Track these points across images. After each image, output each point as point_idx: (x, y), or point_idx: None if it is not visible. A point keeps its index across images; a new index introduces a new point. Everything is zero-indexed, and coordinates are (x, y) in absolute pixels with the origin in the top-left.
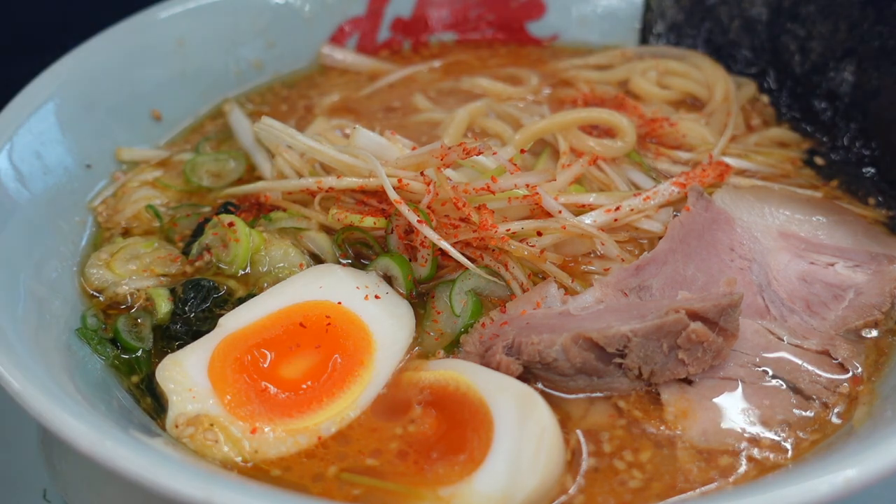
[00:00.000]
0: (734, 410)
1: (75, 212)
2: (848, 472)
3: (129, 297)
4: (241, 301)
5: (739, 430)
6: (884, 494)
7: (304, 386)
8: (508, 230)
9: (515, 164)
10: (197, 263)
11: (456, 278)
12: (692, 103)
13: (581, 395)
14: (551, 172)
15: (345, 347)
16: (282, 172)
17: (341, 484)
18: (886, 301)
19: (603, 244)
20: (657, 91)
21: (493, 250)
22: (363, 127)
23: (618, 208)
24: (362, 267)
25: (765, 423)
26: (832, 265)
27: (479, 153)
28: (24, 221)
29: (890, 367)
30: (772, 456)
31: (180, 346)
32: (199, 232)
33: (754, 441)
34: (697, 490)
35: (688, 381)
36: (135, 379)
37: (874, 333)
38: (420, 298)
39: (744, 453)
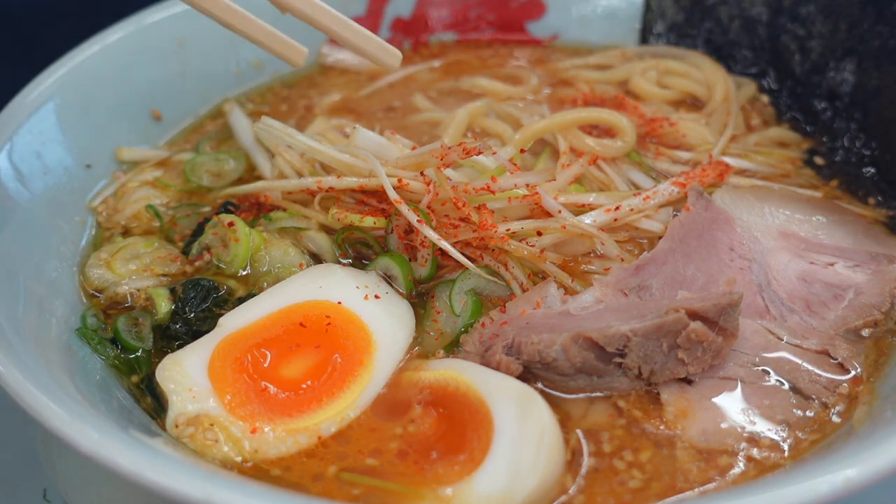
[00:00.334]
0: (734, 410)
1: (75, 212)
2: (848, 472)
3: (129, 297)
4: (241, 301)
5: (739, 430)
6: (884, 494)
7: (304, 386)
8: (508, 230)
9: (515, 164)
10: (197, 263)
11: (456, 278)
12: (692, 103)
13: (581, 395)
14: (551, 172)
15: (345, 347)
16: (282, 172)
17: (341, 484)
18: (886, 301)
19: (603, 244)
20: (657, 91)
21: (493, 250)
22: (363, 127)
23: (617, 208)
24: (362, 267)
25: (764, 423)
26: (832, 265)
27: (479, 153)
28: (24, 221)
29: (890, 366)
30: (772, 456)
31: (180, 346)
32: (199, 232)
33: (754, 441)
34: (697, 490)
35: (687, 381)
36: (135, 379)
37: (874, 333)
38: (420, 298)
39: (743, 453)
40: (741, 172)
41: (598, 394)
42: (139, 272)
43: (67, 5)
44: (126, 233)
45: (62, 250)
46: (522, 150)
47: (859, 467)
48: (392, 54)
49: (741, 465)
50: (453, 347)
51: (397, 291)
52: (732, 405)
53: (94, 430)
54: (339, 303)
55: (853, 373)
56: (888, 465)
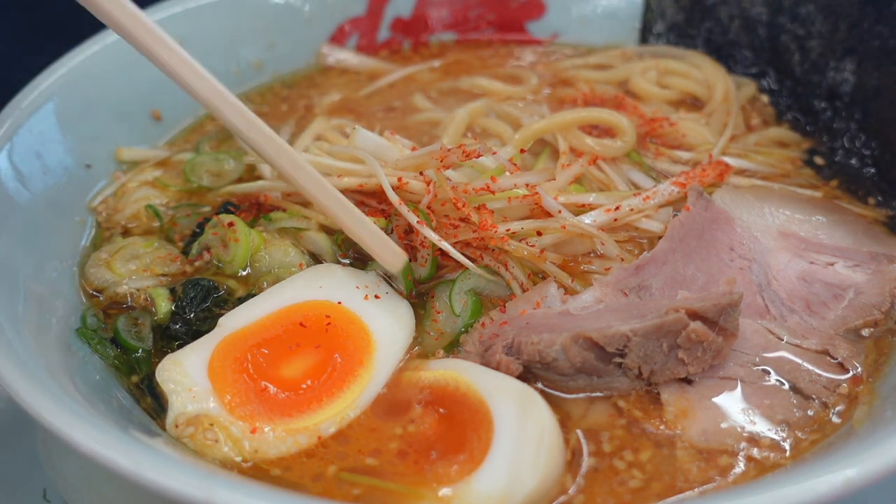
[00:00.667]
0: (734, 410)
1: (75, 212)
2: (848, 472)
3: (128, 297)
4: (241, 301)
5: (739, 430)
6: (884, 494)
7: (304, 386)
8: (508, 230)
9: (515, 164)
10: (197, 263)
11: (456, 278)
12: (692, 103)
13: (581, 395)
14: (551, 172)
15: (345, 347)
16: None
17: (341, 483)
18: (886, 301)
19: (603, 244)
20: (657, 91)
21: (493, 250)
22: (363, 127)
23: (617, 208)
24: (362, 267)
25: (764, 423)
26: (832, 265)
27: (478, 156)
28: (24, 221)
29: (890, 366)
30: (771, 456)
31: (180, 346)
32: (199, 232)
33: (754, 441)
34: (697, 490)
35: (688, 381)
36: (134, 379)
37: (874, 333)
38: (420, 298)
39: (743, 453)
40: (741, 172)
41: (599, 394)
42: (139, 272)
43: (67, 5)
44: (126, 233)
45: (62, 250)
46: (522, 150)
47: (859, 467)
48: (398, 255)
49: (741, 465)
50: (453, 347)
51: (397, 291)
52: (732, 405)
53: (94, 430)
54: (340, 303)
55: (853, 372)
56: (888, 465)
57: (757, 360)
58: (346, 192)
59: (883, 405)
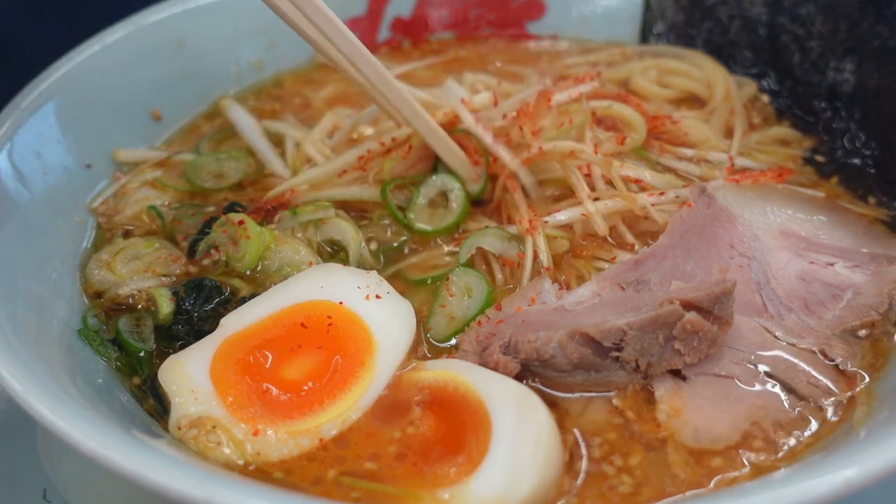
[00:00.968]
0: (728, 409)
1: (75, 212)
2: (847, 472)
3: (130, 298)
4: (245, 300)
5: (733, 430)
6: (884, 494)
7: (306, 387)
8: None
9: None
10: (204, 262)
11: (472, 235)
12: (692, 103)
13: (578, 395)
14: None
15: (346, 348)
16: (307, 157)
17: (340, 487)
18: (884, 302)
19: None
20: (658, 90)
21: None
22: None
23: (662, 193)
24: (387, 255)
25: (758, 423)
26: (831, 265)
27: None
28: (24, 221)
29: (888, 368)
30: (765, 457)
31: (182, 347)
32: (204, 231)
33: (747, 441)
34: (691, 493)
35: (682, 378)
36: (136, 380)
37: (871, 335)
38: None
39: (737, 454)
40: (743, 171)
41: (596, 394)
42: (140, 273)
43: (67, 5)
44: (126, 234)
45: (62, 250)
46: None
47: (859, 467)
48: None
49: (735, 465)
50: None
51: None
52: (727, 404)
53: (95, 430)
54: (341, 303)
55: (848, 374)
56: (888, 465)
57: (752, 357)
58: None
59: (881, 406)
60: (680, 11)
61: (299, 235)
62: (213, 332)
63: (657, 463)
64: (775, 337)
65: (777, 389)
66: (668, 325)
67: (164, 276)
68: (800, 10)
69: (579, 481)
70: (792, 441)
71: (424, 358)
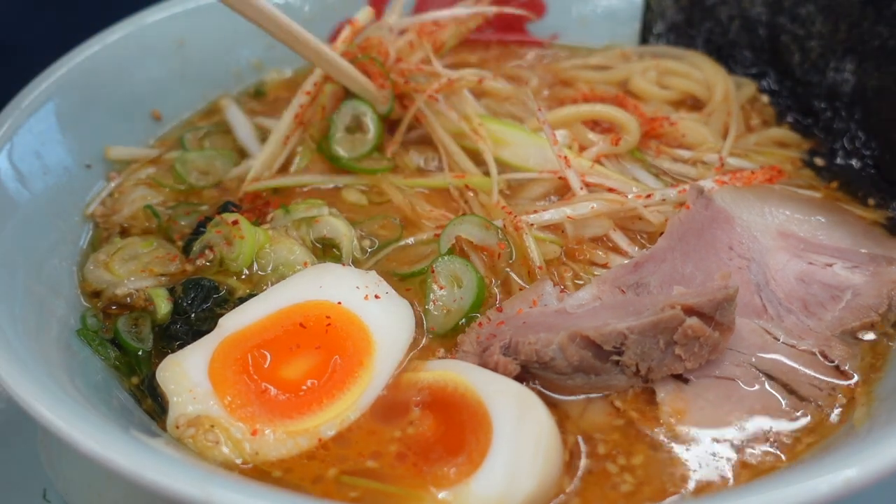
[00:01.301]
0: (729, 410)
1: (75, 212)
2: (848, 472)
3: (128, 298)
4: (243, 300)
5: (734, 431)
6: (884, 494)
7: (305, 387)
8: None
9: None
10: (198, 262)
11: (449, 223)
12: (692, 104)
13: (579, 397)
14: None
15: (345, 348)
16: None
17: (340, 486)
18: (883, 303)
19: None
20: (657, 91)
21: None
22: None
23: (648, 195)
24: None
25: (759, 424)
26: (830, 266)
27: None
28: (24, 221)
29: (887, 368)
30: (766, 457)
31: (181, 346)
32: (200, 230)
33: (749, 442)
34: (693, 492)
35: (684, 381)
36: (135, 380)
37: (870, 335)
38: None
39: (738, 454)
40: (733, 172)
41: (597, 395)
42: (138, 272)
43: (67, 5)
44: (124, 233)
45: (62, 250)
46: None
47: (859, 467)
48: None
49: (737, 465)
50: (457, 333)
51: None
52: (728, 405)
53: (95, 430)
54: (339, 303)
55: (848, 374)
56: (888, 465)
57: (753, 360)
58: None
59: (881, 406)
60: (680, 11)
61: (293, 234)
62: (212, 332)
63: (659, 462)
64: (775, 338)
65: (778, 391)
66: (670, 330)
67: (162, 275)
68: (800, 10)
69: (579, 481)
70: (794, 441)
71: (427, 353)
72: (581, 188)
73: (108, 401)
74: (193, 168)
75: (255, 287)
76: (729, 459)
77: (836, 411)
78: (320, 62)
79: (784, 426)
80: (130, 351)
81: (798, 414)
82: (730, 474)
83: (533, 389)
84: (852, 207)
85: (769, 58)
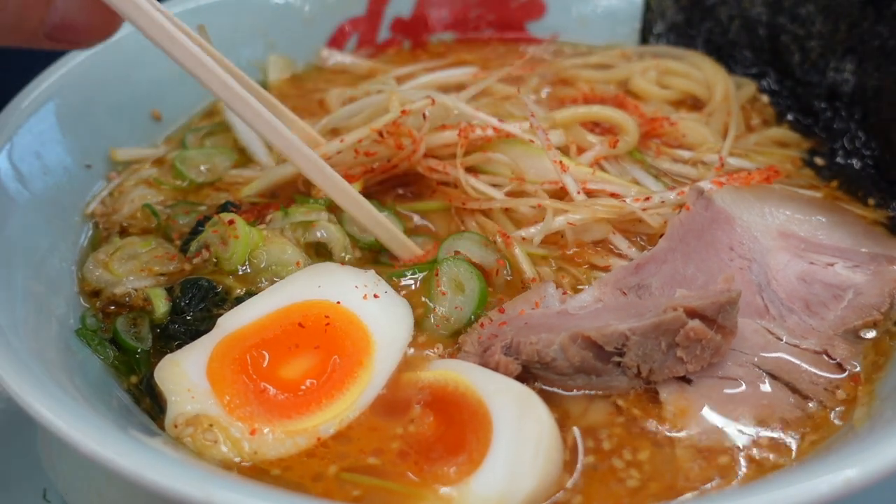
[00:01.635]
0: (733, 410)
1: (75, 212)
2: (848, 472)
3: (127, 298)
4: (240, 300)
5: (738, 430)
6: (884, 494)
7: (303, 387)
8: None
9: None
10: (195, 260)
11: (447, 237)
12: (692, 104)
13: (580, 393)
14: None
15: (344, 348)
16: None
17: (341, 483)
18: (886, 301)
19: (643, 222)
20: (657, 91)
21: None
22: None
23: (647, 198)
24: (370, 258)
25: (763, 423)
26: (832, 265)
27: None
28: (24, 221)
29: (889, 367)
30: (770, 456)
31: (179, 346)
32: (197, 230)
33: (752, 441)
34: (696, 490)
35: (687, 381)
36: (134, 379)
37: (873, 334)
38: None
39: (741, 453)
40: (731, 172)
41: (598, 393)
42: (137, 272)
43: None
44: (123, 232)
45: (62, 250)
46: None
47: (859, 467)
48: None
49: (740, 465)
50: (457, 336)
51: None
52: (731, 405)
53: (94, 430)
54: (339, 302)
55: (851, 373)
56: (888, 465)
57: (756, 360)
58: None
59: (882, 405)
60: (680, 11)
61: (288, 235)
62: (210, 332)
63: (661, 460)
64: (778, 338)
65: (781, 390)
66: (671, 332)
67: (161, 274)
68: (800, 10)
69: (578, 479)
70: (798, 440)
71: (425, 355)
72: (578, 192)
73: (108, 401)
74: (193, 165)
75: (250, 286)
76: (732, 458)
77: (840, 409)
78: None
79: (787, 425)
80: (129, 350)
81: (801, 413)
82: (733, 472)
83: (534, 389)
84: (852, 207)
85: (769, 58)
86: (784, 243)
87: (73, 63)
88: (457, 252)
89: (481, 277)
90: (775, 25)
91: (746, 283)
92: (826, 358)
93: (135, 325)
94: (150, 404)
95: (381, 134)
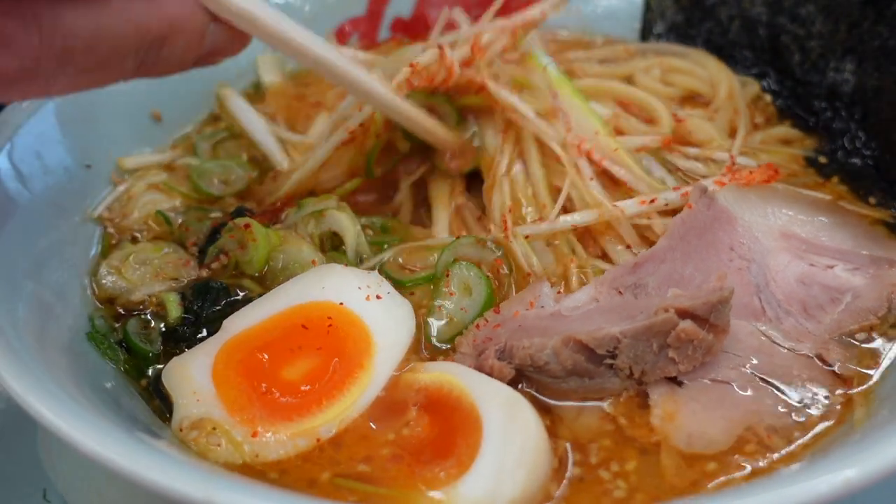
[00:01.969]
0: (723, 414)
1: (76, 212)
2: (848, 472)
3: (142, 304)
4: (251, 301)
5: (727, 435)
6: (884, 494)
7: (305, 388)
8: None
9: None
10: (213, 266)
11: (450, 244)
12: (696, 103)
13: (572, 403)
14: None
15: (345, 349)
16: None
17: (335, 489)
18: (883, 306)
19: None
20: (661, 88)
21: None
22: None
23: (653, 200)
24: (379, 241)
25: (753, 428)
26: (831, 267)
27: None
28: (24, 222)
29: (886, 370)
30: (760, 462)
31: (188, 349)
32: (213, 237)
33: (741, 446)
34: (685, 498)
35: (678, 383)
36: (143, 382)
37: (869, 338)
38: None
39: (730, 459)
40: (735, 170)
41: (590, 403)
42: (151, 277)
43: None
44: (134, 238)
45: (62, 251)
46: None
47: (859, 467)
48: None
49: (727, 471)
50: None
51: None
52: (722, 409)
53: (94, 430)
54: (341, 304)
55: (845, 379)
56: (888, 465)
57: (749, 363)
58: None
59: (881, 406)
60: (680, 11)
61: (302, 231)
62: (216, 334)
63: (650, 468)
64: (773, 341)
65: (773, 394)
66: (663, 334)
67: (175, 279)
68: (800, 10)
69: (566, 487)
70: (786, 445)
71: (424, 358)
72: (591, 179)
73: (115, 403)
74: (212, 178)
75: (268, 287)
76: (721, 463)
77: (832, 416)
78: (376, 103)
79: (778, 430)
80: (139, 353)
81: (792, 418)
82: (722, 478)
83: (527, 393)
84: (854, 207)
85: (769, 58)
86: (785, 244)
87: None
88: (457, 259)
89: (490, 284)
90: (775, 25)
91: (744, 283)
92: (820, 363)
93: (146, 329)
94: (158, 406)
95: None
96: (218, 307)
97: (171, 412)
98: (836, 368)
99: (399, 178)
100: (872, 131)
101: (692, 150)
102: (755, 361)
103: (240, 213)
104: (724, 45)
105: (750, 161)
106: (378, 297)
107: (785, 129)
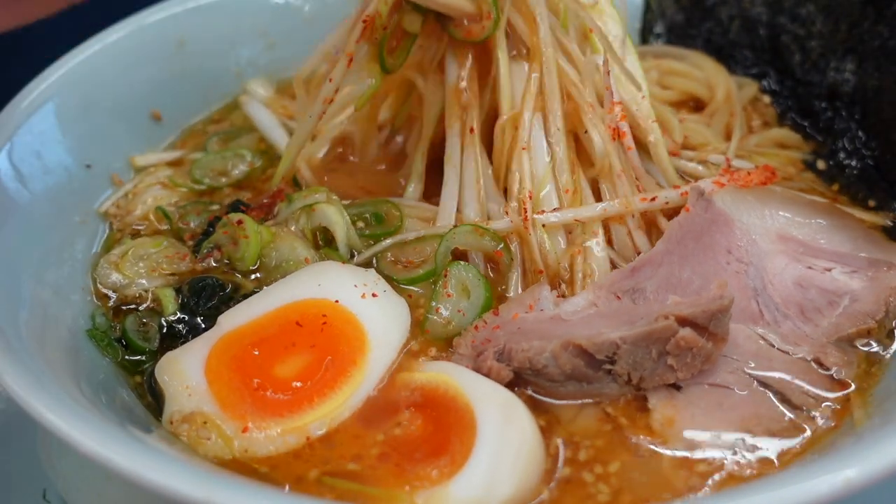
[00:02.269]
0: (721, 418)
1: (76, 212)
2: (848, 472)
3: (137, 299)
4: (247, 297)
5: (726, 438)
6: (884, 494)
7: (297, 385)
8: None
9: None
10: (206, 262)
11: (444, 235)
12: (693, 106)
13: (569, 403)
14: None
15: (339, 347)
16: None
17: (321, 487)
18: (881, 309)
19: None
20: (658, 91)
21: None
22: None
23: (653, 199)
24: (369, 237)
25: (752, 431)
26: (829, 270)
27: None
28: (25, 222)
29: (882, 375)
30: (758, 465)
31: (183, 344)
32: (208, 231)
33: (740, 450)
34: (683, 499)
35: (676, 388)
36: (139, 378)
37: (866, 342)
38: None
39: (729, 461)
40: (730, 172)
41: (588, 401)
42: (148, 272)
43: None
44: (135, 234)
45: (63, 251)
46: None
47: (859, 467)
48: None
49: (727, 473)
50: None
51: None
52: (720, 413)
53: (94, 430)
54: (337, 301)
55: (842, 383)
56: (888, 465)
57: (747, 367)
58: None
59: (881, 407)
60: (680, 11)
61: (293, 227)
62: (210, 330)
63: (647, 470)
64: (770, 345)
65: (770, 399)
66: (662, 341)
67: (171, 274)
68: (800, 10)
69: (556, 489)
70: (784, 449)
71: (420, 357)
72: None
73: (111, 400)
74: (211, 170)
75: (262, 284)
76: (717, 468)
77: (828, 420)
78: None
79: (775, 435)
80: (137, 350)
81: (790, 422)
82: (718, 481)
83: (525, 395)
84: (853, 210)
85: (769, 58)
86: (783, 247)
87: (73, 63)
88: (455, 252)
89: (488, 287)
90: (775, 25)
91: (742, 287)
92: (817, 367)
93: (143, 325)
94: (151, 402)
95: None
96: (213, 303)
97: (162, 407)
98: (833, 373)
99: (412, 147)
100: (872, 131)
101: (689, 154)
102: (753, 365)
103: (235, 207)
104: (725, 45)
105: (746, 164)
106: (374, 294)
107: (782, 132)
